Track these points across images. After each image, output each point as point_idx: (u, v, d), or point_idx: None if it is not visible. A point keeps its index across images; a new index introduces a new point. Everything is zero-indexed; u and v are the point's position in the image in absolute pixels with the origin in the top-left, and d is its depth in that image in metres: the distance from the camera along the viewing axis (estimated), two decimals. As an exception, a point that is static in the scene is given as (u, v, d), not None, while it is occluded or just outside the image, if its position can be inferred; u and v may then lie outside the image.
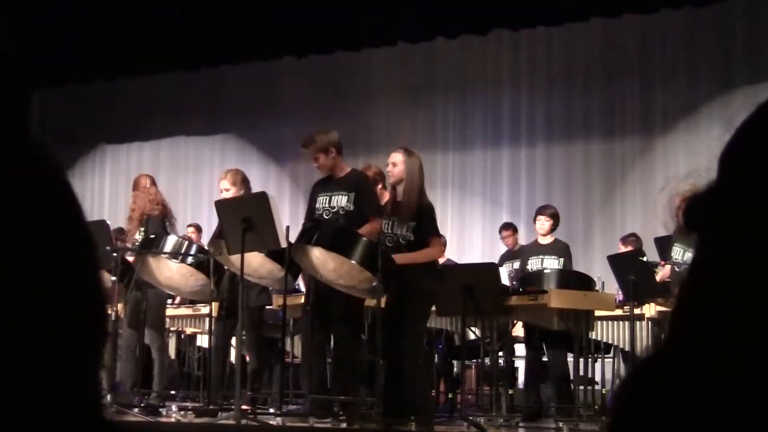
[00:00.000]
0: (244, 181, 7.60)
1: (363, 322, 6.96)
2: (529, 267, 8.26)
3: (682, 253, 7.56)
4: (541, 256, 8.30)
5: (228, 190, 7.51)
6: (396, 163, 6.38)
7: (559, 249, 8.36)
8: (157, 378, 7.97)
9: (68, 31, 10.55)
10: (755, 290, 0.62)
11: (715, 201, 0.66)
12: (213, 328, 7.58)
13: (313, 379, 6.62)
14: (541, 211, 8.46)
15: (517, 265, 8.73)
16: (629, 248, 8.65)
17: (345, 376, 6.60)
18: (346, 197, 6.63)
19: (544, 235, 8.37)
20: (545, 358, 8.26)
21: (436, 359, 9.13)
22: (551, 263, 8.22)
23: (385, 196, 7.07)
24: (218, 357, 7.49)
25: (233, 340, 7.85)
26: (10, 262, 0.63)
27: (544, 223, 8.34)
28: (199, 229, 10.18)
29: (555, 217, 8.39)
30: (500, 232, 9.74)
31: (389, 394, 6.15)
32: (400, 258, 6.14)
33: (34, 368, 0.63)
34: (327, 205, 6.70)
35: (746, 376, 0.61)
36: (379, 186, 7.35)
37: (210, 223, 9.98)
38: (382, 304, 6.20)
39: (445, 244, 6.93)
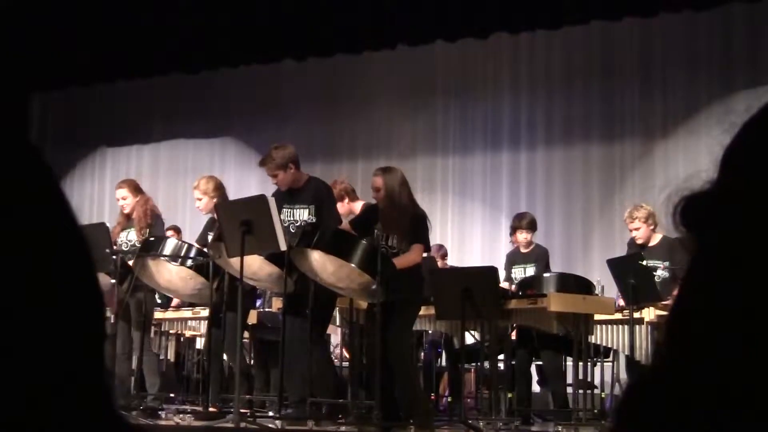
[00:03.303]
0: (218, 188, 7.66)
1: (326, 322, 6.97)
2: (513, 276, 8.35)
3: (662, 267, 7.63)
4: (523, 265, 8.43)
5: (200, 199, 7.59)
6: (379, 188, 6.43)
7: (536, 255, 8.47)
8: (149, 380, 7.95)
9: (68, 34, 10.55)
10: (754, 291, 0.62)
11: (716, 201, 0.66)
12: (207, 331, 7.61)
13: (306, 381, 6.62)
14: (519, 223, 8.54)
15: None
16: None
17: (323, 378, 6.62)
18: (307, 210, 6.70)
19: (526, 247, 8.49)
20: (539, 362, 8.27)
21: (442, 363, 9.15)
22: (531, 271, 8.32)
23: (354, 210, 7.17)
24: (215, 361, 7.50)
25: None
26: (6, 262, 0.63)
27: (525, 235, 8.45)
28: (177, 230, 10.15)
29: (533, 225, 8.53)
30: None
31: (386, 398, 6.16)
32: None
33: (37, 370, 0.63)
34: (291, 218, 6.75)
35: (746, 381, 0.61)
36: (346, 200, 7.40)
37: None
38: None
39: (427, 250, 6.90)
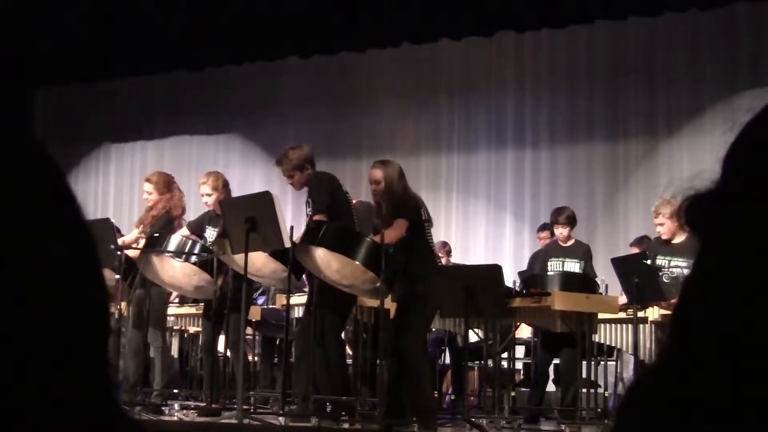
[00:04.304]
0: (225, 185, 7.65)
1: (344, 320, 6.94)
2: (549, 268, 8.26)
3: (668, 263, 7.58)
4: (562, 258, 8.32)
5: (210, 195, 7.55)
6: (378, 180, 6.39)
7: (581, 252, 8.38)
8: (158, 377, 7.96)
9: (72, 30, 10.56)
10: (757, 293, 0.62)
11: (718, 201, 0.66)
12: (203, 327, 7.64)
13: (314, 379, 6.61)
14: (556, 219, 8.44)
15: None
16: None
17: (335, 375, 6.60)
18: (307, 204, 6.68)
19: (564, 241, 8.40)
20: (556, 360, 8.24)
21: (446, 360, 9.15)
22: (572, 266, 8.22)
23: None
24: (211, 356, 7.52)
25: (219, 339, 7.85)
26: (10, 261, 0.63)
27: (562, 230, 8.36)
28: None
29: (571, 220, 8.41)
30: (539, 232, 9.66)
31: (392, 395, 6.16)
32: None
33: (41, 366, 0.63)
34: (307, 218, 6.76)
35: (747, 381, 0.61)
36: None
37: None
38: (386, 305, 6.21)
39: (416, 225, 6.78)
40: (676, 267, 7.46)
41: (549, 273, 7.96)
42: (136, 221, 8.14)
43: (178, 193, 8.02)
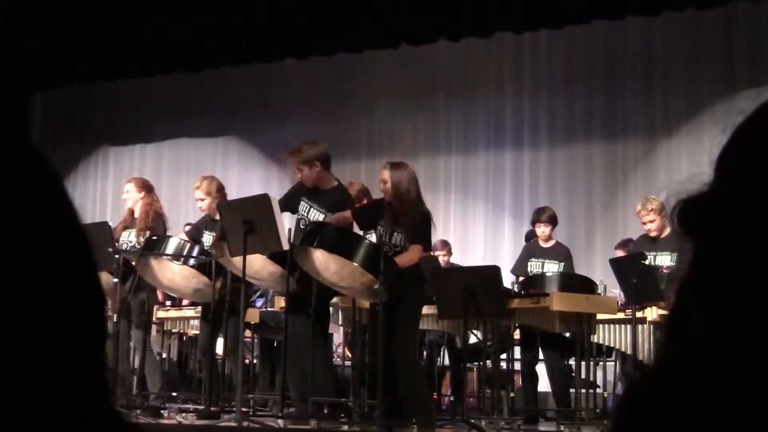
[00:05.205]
0: (220, 190, 7.65)
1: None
2: (529, 269, 8.29)
3: (653, 258, 7.62)
4: (542, 260, 8.34)
5: (203, 200, 7.56)
6: (386, 180, 6.41)
7: (561, 253, 8.39)
8: (149, 379, 7.94)
9: (70, 32, 10.56)
10: (753, 294, 0.62)
11: (712, 203, 0.66)
12: (201, 329, 7.64)
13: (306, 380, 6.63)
14: (538, 218, 8.46)
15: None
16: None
17: (323, 376, 6.63)
18: (323, 216, 6.68)
19: (545, 241, 8.41)
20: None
21: (441, 362, 9.14)
22: (552, 268, 8.23)
23: None
24: (210, 358, 7.52)
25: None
26: (7, 262, 0.63)
27: (543, 229, 8.37)
28: None
29: (553, 220, 8.43)
30: None
31: (389, 397, 6.17)
32: None
33: (39, 368, 0.63)
34: (305, 215, 6.74)
35: (744, 381, 0.61)
36: (365, 201, 7.39)
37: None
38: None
39: (428, 249, 6.84)
40: (661, 262, 7.53)
41: (547, 274, 7.97)
42: (120, 225, 8.05)
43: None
